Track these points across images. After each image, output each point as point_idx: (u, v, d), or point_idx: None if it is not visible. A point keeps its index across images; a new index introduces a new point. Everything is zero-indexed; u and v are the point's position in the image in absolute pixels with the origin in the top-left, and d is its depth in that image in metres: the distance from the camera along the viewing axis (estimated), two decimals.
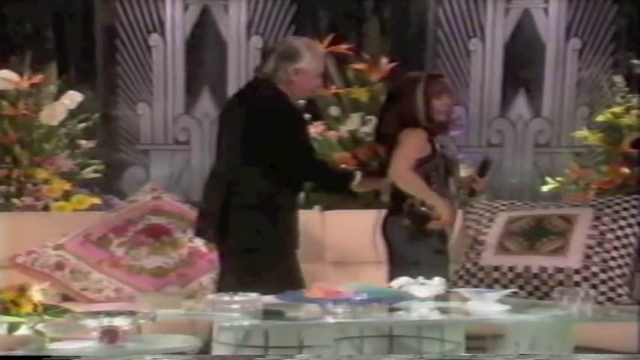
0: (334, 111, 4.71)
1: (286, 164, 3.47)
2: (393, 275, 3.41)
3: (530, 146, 5.29)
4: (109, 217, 4.17)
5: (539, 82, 5.21)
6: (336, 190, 3.62)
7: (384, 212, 3.68)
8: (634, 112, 4.57)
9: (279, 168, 3.46)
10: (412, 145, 3.50)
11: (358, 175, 3.51)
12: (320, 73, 3.58)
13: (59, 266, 3.98)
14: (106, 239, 4.05)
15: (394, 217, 3.57)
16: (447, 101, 3.58)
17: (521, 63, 5.20)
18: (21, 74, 4.49)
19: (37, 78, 4.51)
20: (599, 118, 4.70)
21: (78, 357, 2.62)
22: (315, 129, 4.66)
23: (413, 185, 3.49)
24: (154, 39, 5.03)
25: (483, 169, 3.76)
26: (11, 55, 4.63)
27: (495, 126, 5.31)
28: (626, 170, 4.47)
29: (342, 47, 4.72)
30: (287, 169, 3.47)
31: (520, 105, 5.29)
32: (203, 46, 5.06)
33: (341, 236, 4.19)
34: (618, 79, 4.68)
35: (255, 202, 3.47)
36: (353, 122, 4.64)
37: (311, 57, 3.53)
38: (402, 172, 3.47)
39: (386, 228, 3.61)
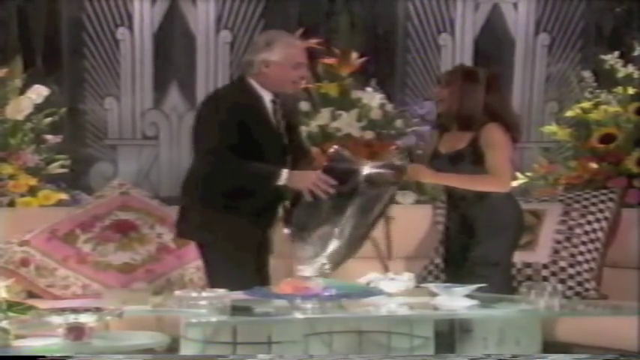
0: (304, 106, 4.70)
1: (198, 159, 3.48)
2: None
3: None
4: (75, 213, 4.13)
5: (509, 77, 5.21)
6: (259, 187, 3.49)
7: None
8: (602, 107, 4.59)
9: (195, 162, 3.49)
10: None
11: (284, 172, 3.43)
12: (296, 64, 3.53)
13: (24, 262, 3.94)
14: (73, 235, 4.02)
15: None
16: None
17: (491, 58, 5.21)
18: None
19: (2, 71, 4.45)
20: (568, 114, 4.72)
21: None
22: None
23: None
24: (121, 32, 4.98)
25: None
26: None
27: None
28: (594, 165, 4.50)
29: (312, 42, 4.69)
30: (199, 163, 3.46)
31: None
32: (171, 40, 5.02)
33: None
34: (587, 74, 4.70)
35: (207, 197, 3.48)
36: (323, 117, 4.63)
37: (280, 48, 3.51)
38: None
39: None
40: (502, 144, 3.55)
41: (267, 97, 3.56)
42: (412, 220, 4.26)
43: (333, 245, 3.35)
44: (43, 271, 3.93)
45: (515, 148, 3.67)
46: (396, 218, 4.19)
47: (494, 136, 3.54)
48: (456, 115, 3.60)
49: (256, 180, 3.46)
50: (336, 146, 3.54)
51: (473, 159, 3.56)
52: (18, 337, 2.62)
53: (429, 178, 3.67)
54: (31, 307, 2.70)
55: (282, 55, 3.50)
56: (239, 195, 3.47)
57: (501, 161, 3.53)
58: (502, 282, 3.43)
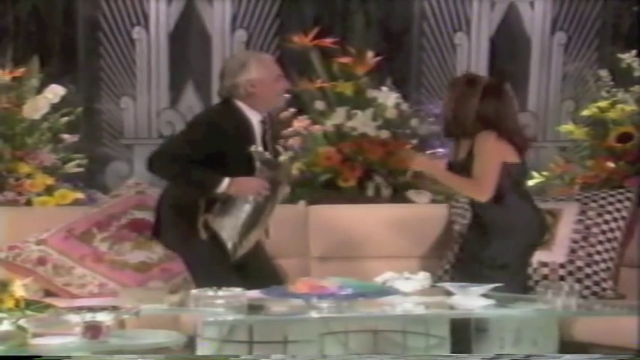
0: (319, 105, 4.69)
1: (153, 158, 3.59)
2: None
3: None
4: (92, 212, 4.14)
5: (525, 76, 5.20)
6: (201, 193, 3.57)
7: None
8: (619, 106, 4.57)
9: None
10: None
11: (226, 180, 3.51)
12: (276, 77, 3.63)
13: (42, 261, 3.95)
14: (89, 234, 4.02)
15: None
16: None
17: (507, 57, 5.19)
18: (2, 67, 4.44)
19: (19, 71, 4.46)
20: (585, 113, 4.69)
21: (68, 357, 2.62)
22: (300, 123, 4.65)
23: None
24: (137, 32, 4.99)
25: None
26: None
27: None
28: (611, 165, 4.48)
29: (328, 41, 4.71)
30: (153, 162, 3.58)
31: None
32: (187, 39, 5.03)
33: (326, 231, 4.18)
34: (604, 73, 4.67)
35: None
36: (338, 116, 4.62)
37: (257, 66, 3.61)
38: None
39: None
40: (490, 152, 3.51)
41: (255, 118, 3.63)
42: (428, 220, 4.25)
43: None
44: (60, 269, 3.94)
45: (520, 156, 3.60)
46: (412, 217, 4.19)
47: (483, 144, 3.52)
48: (449, 123, 3.62)
49: (198, 186, 3.55)
50: (259, 149, 3.60)
51: (471, 168, 3.54)
52: (36, 335, 2.63)
53: (426, 167, 3.68)
54: (48, 306, 2.71)
55: (261, 71, 3.60)
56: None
57: (484, 170, 3.50)
58: (511, 285, 3.37)
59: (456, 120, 3.57)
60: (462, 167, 3.55)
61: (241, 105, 3.61)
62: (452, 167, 3.62)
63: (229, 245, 3.54)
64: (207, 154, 3.52)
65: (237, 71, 3.61)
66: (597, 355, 2.97)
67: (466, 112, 3.54)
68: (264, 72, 3.61)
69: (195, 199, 3.55)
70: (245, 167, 3.56)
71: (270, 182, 3.58)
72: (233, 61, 3.75)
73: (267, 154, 3.61)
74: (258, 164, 3.56)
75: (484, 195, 3.51)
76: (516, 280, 3.53)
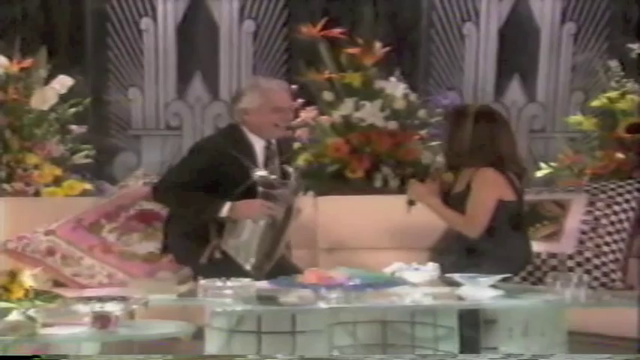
0: (327, 96, 4.68)
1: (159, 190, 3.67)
2: None
3: (524, 132, 5.26)
4: (101, 203, 4.14)
5: (534, 67, 5.18)
6: (202, 219, 3.59)
7: None
8: (629, 96, 4.55)
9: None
10: None
11: (226, 205, 3.52)
12: (275, 108, 3.61)
13: (50, 252, 3.95)
14: (98, 225, 4.02)
15: None
16: None
17: (516, 47, 5.17)
18: (10, 58, 4.44)
19: (27, 62, 4.45)
20: (594, 103, 4.67)
21: (65, 356, 2.62)
22: (307, 114, 4.64)
23: None
24: (145, 23, 4.99)
25: None
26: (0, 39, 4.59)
27: None
28: (620, 155, 4.46)
29: (336, 31, 4.69)
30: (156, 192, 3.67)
31: (514, 90, 5.28)
32: (195, 30, 5.02)
33: (334, 222, 4.18)
34: (613, 63, 4.65)
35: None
36: (346, 107, 4.61)
37: (254, 96, 3.62)
38: None
39: None
40: (486, 189, 3.52)
41: (258, 143, 3.64)
42: None
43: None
44: (69, 260, 3.94)
45: (516, 191, 3.58)
46: (420, 208, 4.17)
47: (481, 180, 3.52)
48: (447, 154, 3.64)
49: (199, 212, 3.57)
50: (263, 173, 3.58)
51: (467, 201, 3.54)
52: (45, 325, 2.62)
53: (421, 197, 3.65)
54: (57, 296, 2.71)
55: (257, 101, 3.61)
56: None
57: (478, 206, 3.51)
58: None
59: (451, 150, 3.60)
60: (459, 200, 3.56)
61: (244, 129, 3.64)
62: (450, 198, 3.62)
63: (248, 267, 3.51)
64: (209, 179, 3.53)
65: (236, 98, 3.68)
66: (604, 355, 2.95)
67: (461, 140, 3.55)
68: (261, 102, 3.61)
69: (204, 223, 3.56)
70: (249, 190, 3.54)
71: (280, 201, 3.54)
72: (243, 85, 3.84)
73: (272, 177, 3.57)
74: (260, 189, 3.52)
75: (474, 232, 3.53)
76: None
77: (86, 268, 3.94)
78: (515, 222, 3.62)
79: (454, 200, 3.59)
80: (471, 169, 3.57)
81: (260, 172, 3.56)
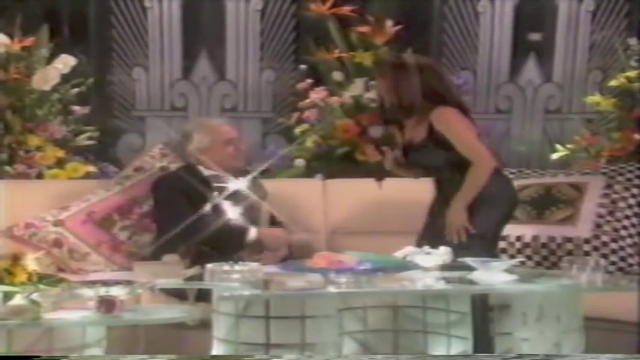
0: (337, 76, 4.65)
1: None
2: None
3: (539, 112, 5.20)
4: (113, 192, 4.00)
5: (550, 46, 5.09)
6: (229, 250, 3.56)
7: None
8: None
9: None
10: None
11: (252, 231, 3.66)
12: (225, 141, 3.76)
13: (57, 243, 3.87)
14: (110, 220, 3.93)
15: None
16: None
17: (532, 25, 5.09)
18: (11, 37, 4.39)
19: (29, 40, 4.40)
20: (612, 83, 4.67)
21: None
22: (317, 95, 4.60)
23: None
24: (149, 0, 4.91)
25: None
26: (0, 16, 4.51)
27: (504, 92, 5.21)
28: (638, 137, 4.40)
29: (346, 9, 4.66)
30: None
31: (530, 70, 5.20)
32: (201, 7, 4.95)
33: (343, 205, 4.14)
34: (633, 41, 4.65)
35: None
36: (356, 87, 4.58)
37: (201, 135, 3.78)
38: None
39: None
40: (458, 124, 3.48)
41: (215, 178, 3.73)
42: None
43: None
44: (75, 254, 3.87)
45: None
46: (423, 193, 4.11)
47: (451, 121, 3.48)
48: (394, 108, 3.57)
49: (226, 242, 3.61)
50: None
51: (442, 146, 3.48)
52: (48, 309, 2.58)
53: (455, 215, 3.52)
54: (61, 280, 2.68)
55: (206, 139, 3.77)
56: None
57: (468, 143, 3.46)
58: (485, 255, 3.29)
59: (401, 104, 3.53)
60: (424, 148, 3.51)
61: (200, 169, 3.76)
62: (412, 151, 3.56)
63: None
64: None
65: (183, 143, 3.81)
66: (620, 356, 2.89)
67: (412, 93, 3.50)
68: (210, 139, 3.76)
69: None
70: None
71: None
72: (183, 130, 3.90)
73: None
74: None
75: (490, 164, 3.47)
76: (493, 250, 3.49)
77: (92, 264, 3.87)
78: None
79: (417, 151, 3.54)
80: (418, 116, 3.50)
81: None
